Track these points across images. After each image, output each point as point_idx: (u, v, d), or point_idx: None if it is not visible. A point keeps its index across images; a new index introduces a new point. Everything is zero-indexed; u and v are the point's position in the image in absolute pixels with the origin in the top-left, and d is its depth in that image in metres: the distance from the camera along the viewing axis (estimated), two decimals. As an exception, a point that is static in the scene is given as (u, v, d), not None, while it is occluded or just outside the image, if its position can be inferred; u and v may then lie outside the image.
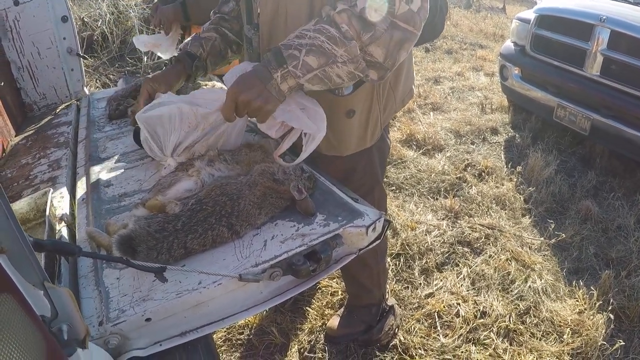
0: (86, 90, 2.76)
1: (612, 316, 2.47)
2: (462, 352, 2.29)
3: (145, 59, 5.90)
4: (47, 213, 1.28)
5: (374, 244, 1.34)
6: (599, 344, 2.33)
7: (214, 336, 2.26)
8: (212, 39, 1.77)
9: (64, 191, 1.56)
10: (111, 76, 5.62)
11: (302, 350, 2.30)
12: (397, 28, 1.25)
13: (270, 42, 1.52)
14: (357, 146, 1.72)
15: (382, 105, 1.68)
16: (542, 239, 3.11)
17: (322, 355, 2.27)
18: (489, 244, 3.03)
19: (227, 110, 1.34)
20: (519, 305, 2.55)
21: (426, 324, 2.43)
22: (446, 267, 2.82)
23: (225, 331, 2.34)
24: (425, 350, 2.30)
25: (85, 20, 6.08)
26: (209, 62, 1.79)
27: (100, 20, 6.10)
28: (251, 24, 1.60)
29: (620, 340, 2.34)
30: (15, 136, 2.28)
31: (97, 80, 5.50)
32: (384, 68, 1.31)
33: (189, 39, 1.83)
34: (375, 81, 1.35)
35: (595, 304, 2.54)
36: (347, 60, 1.26)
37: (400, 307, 2.49)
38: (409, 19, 1.25)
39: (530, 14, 4.72)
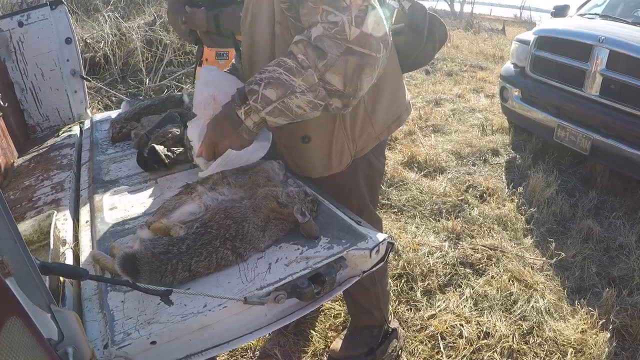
0: (89, 112, 2.78)
1: (614, 334, 2.46)
2: (466, 374, 2.27)
3: (147, 82, 5.94)
4: (52, 235, 1.28)
5: (378, 266, 1.34)
6: (603, 363, 2.33)
7: (217, 359, 2.24)
8: None
9: (68, 214, 1.56)
10: (113, 98, 5.65)
11: (304, 373, 2.29)
12: (352, 53, 1.23)
13: (251, 70, 1.62)
14: (324, 171, 1.71)
15: (349, 132, 1.66)
16: (544, 259, 3.10)
17: (325, 378, 2.25)
18: (491, 264, 3.02)
19: (207, 154, 1.49)
20: (522, 325, 2.53)
21: (429, 345, 2.41)
22: (449, 288, 2.81)
23: (228, 354, 2.31)
24: (428, 372, 2.28)
25: (88, 41, 6.14)
26: None
27: (103, 42, 6.16)
28: (238, 52, 1.73)
29: (624, 359, 2.33)
30: (18, 157, 2.28)
31: (99, 102, 5.54)
32: (347, 96, 1.29)
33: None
34: (341, 109, 1.34)
35: (597, 322, 2.53)
36: (305, 89, 1.26)
37: (403, 328, 2.48)
38: (364, 42, 1.23)
39: (529, 36, 4.78)
